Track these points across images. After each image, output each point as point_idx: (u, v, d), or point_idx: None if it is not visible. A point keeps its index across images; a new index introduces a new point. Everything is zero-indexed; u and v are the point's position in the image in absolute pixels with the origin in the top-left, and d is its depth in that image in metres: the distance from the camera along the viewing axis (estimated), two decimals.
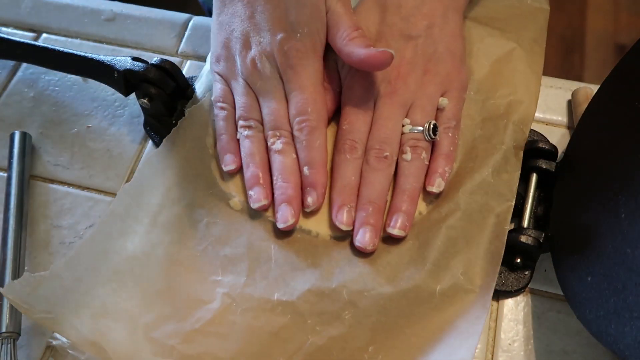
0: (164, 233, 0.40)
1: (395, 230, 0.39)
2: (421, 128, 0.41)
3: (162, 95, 0.44)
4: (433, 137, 0.40)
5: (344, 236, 0.40)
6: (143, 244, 0.40)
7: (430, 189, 0.40)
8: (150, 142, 0.48)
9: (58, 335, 0.38)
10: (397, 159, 0.41)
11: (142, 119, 0.48)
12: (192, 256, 0.40)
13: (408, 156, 0.40)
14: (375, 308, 0.37)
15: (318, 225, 0.40)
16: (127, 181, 0.46)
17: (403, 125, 0.41)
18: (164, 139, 0.43)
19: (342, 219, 0.39)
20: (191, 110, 0.45)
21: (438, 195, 0.41)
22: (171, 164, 0.43)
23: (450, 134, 0.41)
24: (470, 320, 0.36)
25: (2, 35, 0.49)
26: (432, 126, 0.40)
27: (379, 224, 0.39)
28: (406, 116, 0.42)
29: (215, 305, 0.38)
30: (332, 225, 0.40)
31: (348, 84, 0.43)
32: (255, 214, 0.41)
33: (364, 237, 0.38)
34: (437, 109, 0.42)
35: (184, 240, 0.40)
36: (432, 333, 0.36)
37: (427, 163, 0.41)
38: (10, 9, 0.56)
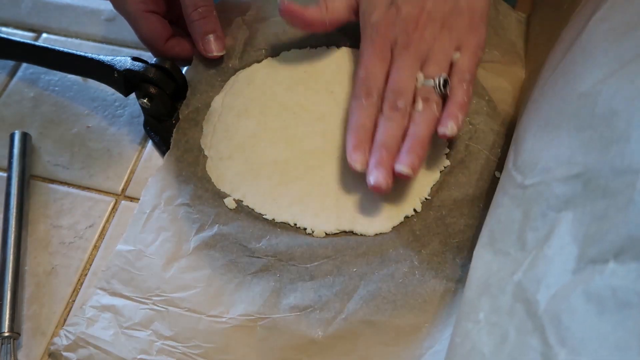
0: (157, 232, 0.41)
1: (403, 167, 0.39)
2: (433, 82, 0.42)
3: (162, 95, 0.44)
4: (443, 91, 0.41)
5: (338, 233, 0.41)
6: (135, 243, 0.40)
7: (441, 129, 0.40)
8: (150, 142, 0.48)
9: (55, 340, 0.38)
10: (410, 111, 0.41)
11: (142, 119, 0.48)
12: (185, 253, 0.40)
13: (419, 106, 0.41)
14: (371, 303, 0.37)
15: (313, 222, 0.41)
16: (127, 181, 0.46)
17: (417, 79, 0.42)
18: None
19: (357, 158, 0.40)
20: (185, 113, 0.45)
21: (450, 146, 0.43)
22: (165, 164, 0.44)
23: (464, 87, 0.41)
24: None
25: (2, 35, 0.49)
26: (442, 80, 0.41)
27: (391, 167, 0.39)
28: (421, 69, 0.42)
29: None
30: (326, 224, 0.41)
31: (367, 33, 0.44)
32: (249, 213, 0.41)
33: (377, 177, 0.39)
34: (452, 63, 0.43)
35: (177, 238, 0.40)
36: (432, 324, 0.37)
37: (438, 114, 0.41)
38: (10, 9, 0.56)
